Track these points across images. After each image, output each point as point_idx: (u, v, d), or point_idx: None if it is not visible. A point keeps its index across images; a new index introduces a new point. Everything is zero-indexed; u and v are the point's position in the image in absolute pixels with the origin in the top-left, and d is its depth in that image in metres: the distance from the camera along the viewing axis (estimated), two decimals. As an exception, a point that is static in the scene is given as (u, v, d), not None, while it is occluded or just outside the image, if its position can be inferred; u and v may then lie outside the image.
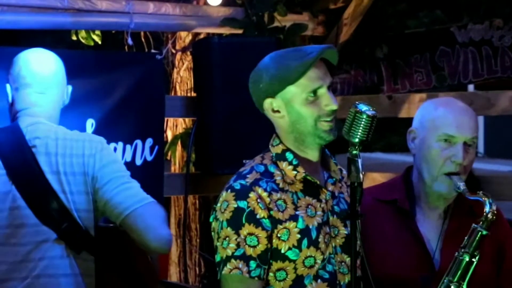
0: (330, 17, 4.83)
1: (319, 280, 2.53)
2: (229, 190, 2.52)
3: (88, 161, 2.96)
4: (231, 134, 4.07)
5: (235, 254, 2.47)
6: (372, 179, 4.43)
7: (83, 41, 4.46)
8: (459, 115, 2.84)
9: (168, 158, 4.85)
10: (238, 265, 2.46)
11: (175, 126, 4.94)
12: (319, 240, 2.53)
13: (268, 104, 2.57)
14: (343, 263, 2.57)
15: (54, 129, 3.01)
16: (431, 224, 2.88)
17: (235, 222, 2.48)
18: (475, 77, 4.44)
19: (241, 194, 2.49)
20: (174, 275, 5.08)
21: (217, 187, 4.12)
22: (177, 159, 4.93)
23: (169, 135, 4.87)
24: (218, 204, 2.53)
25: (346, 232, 2.58)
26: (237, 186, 2.51)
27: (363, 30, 4.98)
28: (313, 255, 2.51)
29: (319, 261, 2.52)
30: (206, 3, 4.43)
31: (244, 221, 2.47)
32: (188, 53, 4.88)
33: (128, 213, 2.90)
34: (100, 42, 4.47)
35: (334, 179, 2.64)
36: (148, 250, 2.96)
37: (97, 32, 4.42)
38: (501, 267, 2.88)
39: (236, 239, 2.47)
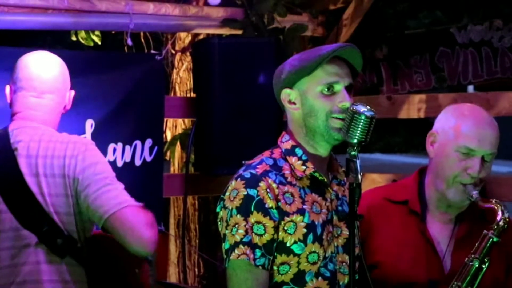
0: (330, 18, 4.83)
1: (320, 278, 2.54)
2: (238, 179, 2.53)
3: (69, 162, 2.89)
4: (231, 134, 4.06)
5: (243, 240, 2.48)
6: (371, 180, 4.43)
7: (82, 41, 4.46)
8: (483, 129, 2.80)
9: (167, 158, 4.84)
10: (246, 251, 2.47)
11: (175, 126, 4.94)
12: (323, 237, 2.54)
13: (285, 94, 2.59)
14: (344, 263, 2.58)
15: (41, 132, 2.95)
16: (441, 226, 2.87)
17: (244, 209, 2.49)
18: (474, 78, 4.43)
19: (251, 183, 2.50)
20: (173, 275, 5.07)
21: (216, 188, 4.14)
22: (176, 159, 4.93)
23: (169, 135, 4.87)
24: (227, 193, 2.54)
25: (348, 233, 2.58)
26: (247, 175, 2.52)
27: (363, 31, 4.98)
28: (317, 251, 2.52)
29: (321, 258, 2.53)
30: (206, 4, 4.43)
31: (252, 209, 2.48)
32: (188, 53, 4.88)
33: (108, 216, 2.84)
34: (99, 43, 4.47)
35: (338, 180, 2.65)
36: (131, 252, 2.89)
37: (97, 32, 4.42)
38: (510, 271, 2.87)
39: (244, 226, 2.48)
